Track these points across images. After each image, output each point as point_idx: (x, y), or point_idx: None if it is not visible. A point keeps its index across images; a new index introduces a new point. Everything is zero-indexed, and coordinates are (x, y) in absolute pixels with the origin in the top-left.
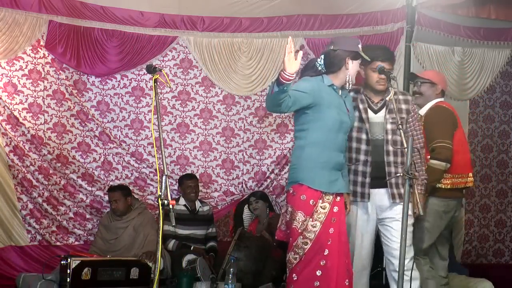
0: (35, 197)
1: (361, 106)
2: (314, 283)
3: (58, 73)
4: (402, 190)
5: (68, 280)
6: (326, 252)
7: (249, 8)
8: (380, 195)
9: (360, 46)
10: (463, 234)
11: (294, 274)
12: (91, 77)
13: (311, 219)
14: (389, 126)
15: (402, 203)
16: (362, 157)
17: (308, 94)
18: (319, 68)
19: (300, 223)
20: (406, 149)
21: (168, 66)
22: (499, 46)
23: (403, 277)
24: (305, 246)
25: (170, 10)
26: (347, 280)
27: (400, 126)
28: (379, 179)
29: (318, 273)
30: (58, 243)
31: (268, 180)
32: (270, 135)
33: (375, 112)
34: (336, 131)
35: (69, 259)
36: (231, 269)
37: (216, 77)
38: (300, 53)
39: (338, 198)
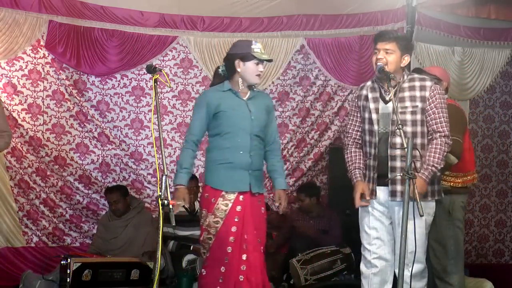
0: (32, 198)
1: (370, 96)
2: (219, 279)
3: (58, 73)
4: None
5: (68, 281)
6: (229, 249)
7: (249, 8)
8: (383, 194)
9: (254, 46)
10: (463, 234)
11: (203, 269)
12: (91, 77)
13: (212, 216)
14: (398, 117)
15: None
16: (372, 150)
17: (204, 114)
18: (222, 74)
19: (204, 219)
20: (406, 149)
21: (168, 66)
22: (499, 46)
23: (403, 277)
24: (209, 242)
25: (170, 10)
26: (241, 276)
27: (400, 126)
28: (383, 177)
29: (222, 269)
30: (54, 245)
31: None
32: None
33: (386, 102)
34: (235, 133)
35: (69, 259)
36: None
37: None
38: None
39: (242, 197)
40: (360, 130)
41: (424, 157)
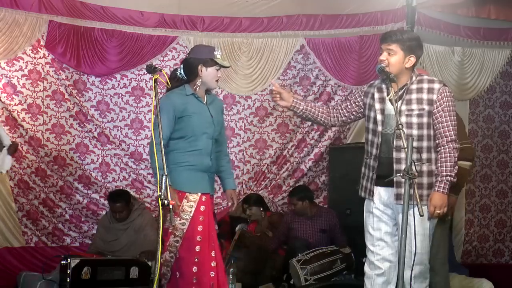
0: (32, 199)
1: (376, 96)
2: (193, 279)
3: (58, 73)
4: (411, 191)
5: (68, 280)
6: (198, 248)
7: (249, 8)
8: (386, 194)
9: (216, 53)
10: (463, 234)
11: (176, 272)
12: (91, 77)
13: (179, 218)
14: (403, 119)
15: (411, 205)
16: (374, 151)
17: (171, 118)
18: (181, 77)
19: (169, 223)
20: (406, 149)
21: (168, 66)
22: (499, 46)
23: (403, 277)
24: (177, 244)
25: (170, 10)
26: (212, 272)
27: (401, 126)
28: (386, 177)
29: (194, 269)
30: (54, 245)
31: (267, 180)
32: (270, 135)
33: (392, 102)
34: (198, 137)
35: (69, 259)
36: (231, 269)
37: None
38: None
39: (204, 198)
40: (341, 114)
41: (436, 168)
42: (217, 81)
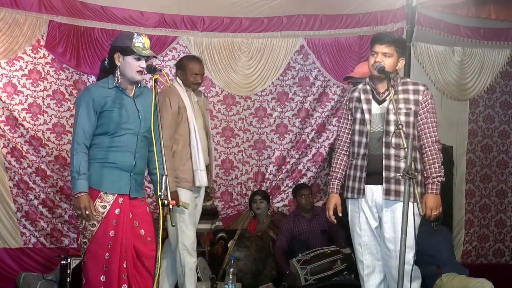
0: (31, 199)
1: (363, 97)
2: None
3: (58, 73)
4: (400, 187)
5: (68, 280)
6: (107, 255)
7: (249, 8)
8: (376, 192)
9: (135, 40)
10: (463, 234)
11: (82, 277)
12: (91, 77)
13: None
14: (392, 117)
15: (399, 201)
16: (362, 150)
17: (92, 113)
18: (108, 68)
19: (80, 221)
20: (406, 149)
21: (168, 66)
22: (499, 46)
23: (403, 277)
24: (85, 246)
25: (170, 10)
26: (124, 285)
27: (400, 126)
28: (376, 175)
29: (102, 278)
30: (52, 246)
31: (268, 182)
32: (269, 136)
33: (379, 102)
34: (123, 133)
35: (69, 259)
36: (231, 269)
37: (216, 77)
38: None
39: (121, 199)
40: (351, 133)
41: (425, 170)
42: (139, 72)
